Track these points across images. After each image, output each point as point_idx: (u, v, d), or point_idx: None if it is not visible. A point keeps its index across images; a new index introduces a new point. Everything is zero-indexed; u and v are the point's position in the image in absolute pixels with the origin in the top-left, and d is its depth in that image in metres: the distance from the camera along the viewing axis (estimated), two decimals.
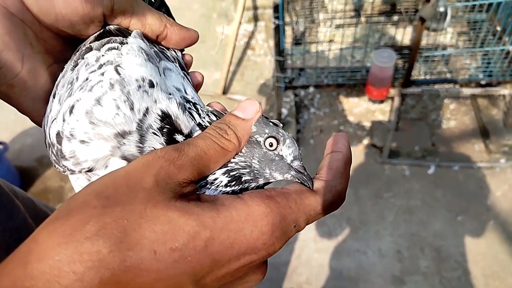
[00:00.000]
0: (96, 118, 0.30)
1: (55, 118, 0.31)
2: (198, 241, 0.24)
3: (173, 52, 0.40)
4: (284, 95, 2.08)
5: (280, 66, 1.62)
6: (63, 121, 0.30)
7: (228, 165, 0.31)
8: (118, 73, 0.32)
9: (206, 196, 0.28)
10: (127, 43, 0.35)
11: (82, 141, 0.29)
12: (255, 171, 0.32)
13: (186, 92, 0.36)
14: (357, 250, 1.66)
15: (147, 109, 0.31)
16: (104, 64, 0.33)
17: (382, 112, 2.04)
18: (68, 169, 0.31)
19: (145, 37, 0.37)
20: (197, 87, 0.41)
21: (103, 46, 0.35)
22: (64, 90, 0.33)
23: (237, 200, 0.27)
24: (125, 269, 0.23)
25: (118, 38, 0.35)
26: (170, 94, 0.33)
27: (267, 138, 0.32)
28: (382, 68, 1.54)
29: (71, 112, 0.30)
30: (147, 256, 0.23)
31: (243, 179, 0.31)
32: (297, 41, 2.22)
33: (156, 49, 0.37)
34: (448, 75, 1.93)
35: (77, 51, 0.36)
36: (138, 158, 0.27)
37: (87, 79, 0.32)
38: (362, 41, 1.96)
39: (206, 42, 2.58)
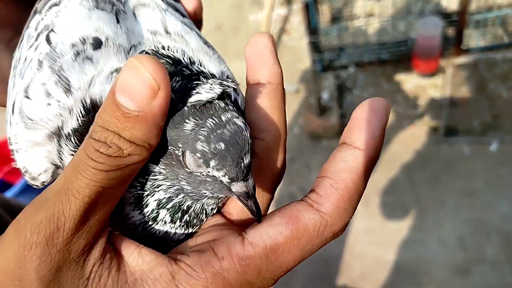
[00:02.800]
0: (26, 117, 0.22)
1: (7, 120, 0.24)
2: None
3: None
4: (323, 78, 1.96)
5: (314, 47, 1.51)
6: (10, 124, 0.24)
7: (155, 195, 0.22)
8: (49, 42, 0.23)
9: (129, 262, 0.21)
10: None
11: (25, 151, 0.22)
12: (191, 194, 0.22)
13: (167, 32, 0.25)
14: (414, 241, 1.53)
15: (90, 83, 0.22)
16: (41, 32, 0.24)
17: (434, 86, 1.87)
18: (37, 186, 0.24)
19: None
20: (194, 14, 0.32)
21: (46, 4, 0.25)
22: (10, 79, 0.25)
23: (170, 284, 0.20)
24: None
25: None
26: (132, 47, 0.24)
27: (183, 154, 0.21)
28: (428, 38, 1.39)
29: (12, 111, 0.23)
30: None
31: (184, 207, 0.22)
32: (334, 18, 2.08)
33: None
34: (506, 39, 1.73)
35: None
36: (7, 237, 0.20)
37: (25, 59, 0.24)
38: (404, 10, 1.80)
39: (240, 31, 2.50)
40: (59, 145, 0.22)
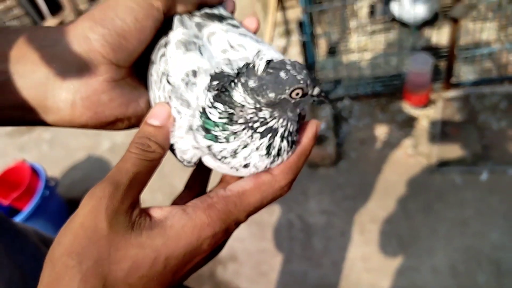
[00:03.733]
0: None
1: None
2: (158, 265, 0.30)
3: (215, 10, 0.40)
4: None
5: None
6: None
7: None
8: (169, 83, 0.35)
9: (155, 214, 0.32)
10: (169, 42, 0.36)
11: (176, 142, 0.35)
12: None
13: (231, 46, 0.36)
14: (408, 268, 1.58)
15: (197, 97, 0.33)
16: (162, 77, 0.36)
17: (427, 117, 1.94)
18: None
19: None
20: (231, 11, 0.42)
21: (157, 56, 0.37)
22: None
23: (183, 217, 0.31)
24: None
25: (163, 40, 0.37)
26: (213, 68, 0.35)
27: (293, 90, 0.31)
28: (418, 74, 1.47)
29: None
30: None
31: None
32: (331, 51, 2.18)
33: (197, 19, 0.38)
34: (494, 73, 1.81)
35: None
36: (83, 203, 0.30)
37: (159, 97, 0.36)
38: (396, 46, 1.89)
39: None
40: (194, 135, 0.33)
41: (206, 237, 0.31)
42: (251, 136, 0.32)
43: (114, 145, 2.34)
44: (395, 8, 1.85)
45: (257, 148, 0.33)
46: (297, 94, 0.31)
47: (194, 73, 0.33)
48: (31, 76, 0.34)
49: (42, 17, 3.31)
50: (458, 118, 1.88)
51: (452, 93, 1.60)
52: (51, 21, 3.27)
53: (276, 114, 0.32)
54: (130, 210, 0.30)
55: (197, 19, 0.38)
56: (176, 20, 0.37)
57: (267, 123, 0.32)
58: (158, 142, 0.32)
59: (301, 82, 0.30)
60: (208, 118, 0.32)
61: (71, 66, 0.34)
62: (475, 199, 1.69)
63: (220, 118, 0.31)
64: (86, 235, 0.29)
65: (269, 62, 0.30)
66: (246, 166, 0.34)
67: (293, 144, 0.34)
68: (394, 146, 1.93)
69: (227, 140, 0.32)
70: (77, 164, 2.31)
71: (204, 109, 0.32)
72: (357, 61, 1.86)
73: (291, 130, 0.33)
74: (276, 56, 0.35)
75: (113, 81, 0.36)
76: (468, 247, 1.59)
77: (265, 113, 0.31)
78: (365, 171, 1.89)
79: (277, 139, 0.33)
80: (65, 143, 2.46)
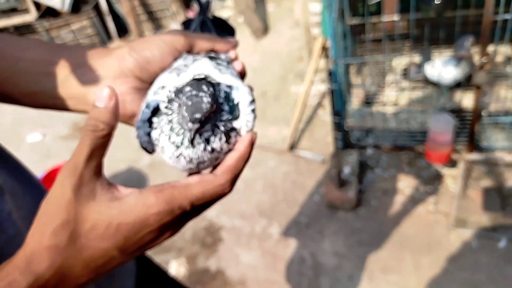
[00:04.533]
0: None
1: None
2: (111, 228, 0.38)
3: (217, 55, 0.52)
4: (348, 154, 2.11)
5: (337, 126, 1.68)
6: None
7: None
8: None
9: (120, 191, 0.40)
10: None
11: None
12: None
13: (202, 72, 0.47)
14: None
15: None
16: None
17: (452, 177, 1.97)
18: None
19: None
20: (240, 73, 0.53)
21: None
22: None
23: (138, 196, 0.39)
24: (75, 248, 0.38)
25: None
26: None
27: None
28: (440, 133, 1.52)
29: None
30: (85, 241, 0.38)
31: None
32: (367, 101, 2.27)
33: (198, 56, 0.50)
34: None
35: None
36: (55, 181, 0.39)
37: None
38: (425, 104, 1.95)
39: (280, 100, 2.73)
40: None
41: (152, 214, 0.39)
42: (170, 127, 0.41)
43: (153, 162, 2.52)
44: (428, 70, 1.92)
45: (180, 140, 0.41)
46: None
47: (162, 87, 0.44)
48: (86, 76, 0.50)
49: (110, 37, 3.65)
50: (482, 182, 1.89)
51: (475, 156, 1.63)
52: (117, 42, 3.59)
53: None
54: (92, 183, 0.38)
55: (198, 56, 0.50)
56: (183, 54, 0.51)
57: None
58: (105, 120, 0.38)
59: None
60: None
61: (111, 73, 0.49)
62: (489, 265, 1.68)
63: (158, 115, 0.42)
64: (56, 203, 0.37)
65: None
66: (178, 157, 0.42)
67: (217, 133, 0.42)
68: (415, 200, 1.96)
69: (160, 130, 0.42)
70: (118, 174, 2.49)
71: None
72: (387, 113, 1.94)
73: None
74: (227, 82, 0.45)
75: (137, 89, 0.50)
76: None
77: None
78: (383, 220, 1.92)
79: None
80: (111, 154, 2.65)
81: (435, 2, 1.22)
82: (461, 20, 1.61)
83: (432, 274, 1.70)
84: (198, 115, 0.38)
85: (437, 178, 2.00)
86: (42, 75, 0.50)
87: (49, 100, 0.51)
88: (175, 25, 3.62)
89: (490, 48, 1.54)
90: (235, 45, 0.55)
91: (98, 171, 0.39)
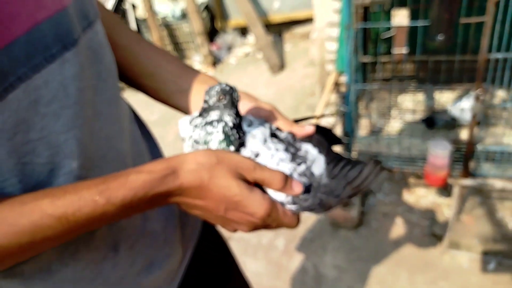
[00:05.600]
0: None
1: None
2: (234, 198, 0.49)
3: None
4: None
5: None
6: None
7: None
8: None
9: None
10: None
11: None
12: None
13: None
14: None
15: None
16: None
17: (448, 206, 2.13)
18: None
19: None
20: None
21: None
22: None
23: (259, 192, 0.51)
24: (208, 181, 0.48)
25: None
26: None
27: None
28: (437, 157, 1.70)
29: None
30: (215, 187, 0.48)
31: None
32: (373, 131, 2.47)
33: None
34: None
35: None
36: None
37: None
38: (427, 134, 2.15)
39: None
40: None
41: (261, 205, 0.49)
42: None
43: None
44: (455, 112, 2.14)
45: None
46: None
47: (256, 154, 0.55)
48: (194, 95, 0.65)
49: None
50: (475, 207, 2.05)
51: (469, 182, 1.80)
52: None
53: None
54: (237, 169, 0.49)
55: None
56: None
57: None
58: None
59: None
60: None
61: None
62: (478, 285, 1.81)
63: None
64: (216, 160, 0.48)
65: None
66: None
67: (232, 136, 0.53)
68: (413, 224, 2.10)
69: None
70: None
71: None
72: (391, 141, 2.13)
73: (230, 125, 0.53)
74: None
75: None
76: None
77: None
78: (382, 240, 2.07)
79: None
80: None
81: (439, 38, 1.43)
82: (458, 64, 1.84)
83: None
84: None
85: (434, 205, 2.16)
86: (172, 82, 0.64)
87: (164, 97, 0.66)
88: (198, 56, 3.90)
89: (486, 86, 1.75)
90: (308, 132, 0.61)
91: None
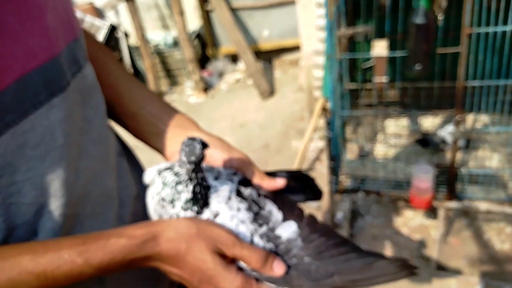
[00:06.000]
0: None
1: None
2: (207, 272, 0.49)
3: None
4: (340, 201, 2.32)
5: (332, 171, 1.92)
6: None
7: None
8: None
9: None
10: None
11: None
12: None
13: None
14: None
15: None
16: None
17: (435, 227, 2.17)
18: None
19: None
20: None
21: None
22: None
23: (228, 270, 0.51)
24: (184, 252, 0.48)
25: None
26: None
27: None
28: (421, 180, 1.76)
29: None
30: (191, 258, 0.48)
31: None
32: (361, 154, 2.53)
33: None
34: (502, 195, 2.04)
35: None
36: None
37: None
38: (412, 158, 2.21)
39: (282, 153, 2.99)
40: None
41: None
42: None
43: None
44: (444, 134, 2.22)
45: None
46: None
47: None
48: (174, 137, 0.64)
49: None
50: (462, 229, 2.09)
51: (454, 204, 1.85)
52: None
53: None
54: (216, 247, 0.49)
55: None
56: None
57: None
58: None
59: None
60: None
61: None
62: None
63: None
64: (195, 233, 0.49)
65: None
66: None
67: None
68: (401, 246, 2.14)
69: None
70: None
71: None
72: (377, 165, 2.18)
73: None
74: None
75: None
76: None
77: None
78: None
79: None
80: None
81: (416, 68, 1.51)
82: (438, 91, 1.92)
83: None
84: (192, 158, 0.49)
85: (421, 227, 2.20)
86: (152, 124, 0.64)
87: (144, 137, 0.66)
88: (190, 83, 3.98)
89: (466, 114, 1.82)
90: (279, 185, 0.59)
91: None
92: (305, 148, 2.57)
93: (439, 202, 1.85)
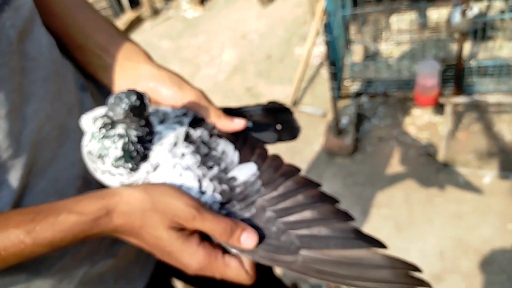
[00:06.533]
0: None
1: None
2: (165, 249, 0.46)
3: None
4: (345, 106, 2.26)
5: (333, 76, 1.83)
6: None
7: None
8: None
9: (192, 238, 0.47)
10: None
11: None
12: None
13: None
14: (400, 248, 1.75)
15: None
16: None
17: (443, 123, 2.11)
18: None
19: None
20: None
21: None
22: None
23: (195, 247, 0.47)
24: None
25: None
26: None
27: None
28: (426, 77, 1.66)
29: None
30: (146, 235, 0.45)
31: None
32: (367, 55, 2.41)
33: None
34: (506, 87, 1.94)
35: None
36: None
37: None
38: (417, 55, 2.08)
39: (285, 61, 2.88)
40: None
41: (191, 264, 0.46)
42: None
43: None
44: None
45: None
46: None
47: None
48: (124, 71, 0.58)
49: (122, 10, 3.81)
50: (471, 123, 2.03)
51: (461, 99, 1.76)
52: (129, 14, 3.76)
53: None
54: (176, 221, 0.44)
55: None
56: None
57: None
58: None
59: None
60: None
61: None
62: (474, 199, 1.83)
63: None
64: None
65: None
66: None
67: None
68: (408, 145, 2.10)
69: None
70: None
71: None
72: (382, 65, 2.07)
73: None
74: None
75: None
76: (458, 238, 1.73)
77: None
78: (378, 164, 2.08)
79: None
80: None
81: None
82: None
83: (421, 208, 1.85)
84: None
85: (429, 125, 2.14)
86: (98, 56, 0.58)
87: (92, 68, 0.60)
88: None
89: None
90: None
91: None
92: (308, 54, 2.45)
93: (446, 98, 1.77)
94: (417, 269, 0.45)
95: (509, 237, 1.68)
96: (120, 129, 0.45)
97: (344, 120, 2.22)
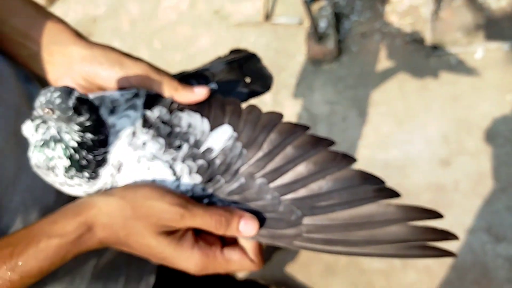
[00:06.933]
0: None
1: None
2: (158, 255, 0.42)
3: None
4: (320, 9, 2.12)
5: None
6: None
7: None
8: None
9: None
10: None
11: None
12: None
13: None
14: (403, 141, 1.74)
15: None
16: None
17: (426, 6, 2.00)
18: None
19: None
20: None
21: None
22: None
23: (189, 249, 0.43)
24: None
25: None
26: None
27: None
28: None
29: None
30: (134, 244, 0.41)
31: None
32: None
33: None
34: None
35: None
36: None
37: None
38: None
39: None
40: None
41: (189, 267, 0.42)
42: None
43: None
44: None
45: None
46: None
47: None
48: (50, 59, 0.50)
49: None
50: (457, 2, 1.93)
51: None
52: None
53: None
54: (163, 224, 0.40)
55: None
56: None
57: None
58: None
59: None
60: None
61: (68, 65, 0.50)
62: (469, 75, 1.79)
63: None
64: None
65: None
66: None
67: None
68: (393, 36, 2.01)
69: None
70: None
71: None
72: None
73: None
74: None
75: (81, 87, 0.50)
76: (459, 118, 1.72)
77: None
78: (366, 62, 2.00)
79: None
80: None
81: None
82: None
83: (417, 97, 1.82)
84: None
85: (411, 9, 2.03)
86: (22, 45, 0.50)
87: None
88: None
89: None
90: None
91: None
92: None
93: None
94: (438, 214, 0.40)
95: (509, 108, 1.67)
96: (51, 131, 0.39)
97: (322, 24, 2.09)
